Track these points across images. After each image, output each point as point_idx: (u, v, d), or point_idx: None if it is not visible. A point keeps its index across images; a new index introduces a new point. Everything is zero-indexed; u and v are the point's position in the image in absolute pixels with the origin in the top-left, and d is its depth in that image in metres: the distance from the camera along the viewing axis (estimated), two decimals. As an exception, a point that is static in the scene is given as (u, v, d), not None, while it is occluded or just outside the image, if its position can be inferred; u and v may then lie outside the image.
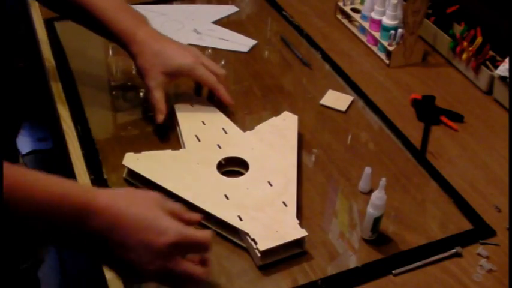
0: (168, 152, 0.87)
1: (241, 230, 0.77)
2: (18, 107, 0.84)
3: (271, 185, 0.83)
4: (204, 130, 0.92)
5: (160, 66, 0.90)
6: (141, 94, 1.05)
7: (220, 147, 0.88)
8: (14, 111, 0.83)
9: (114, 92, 1.06)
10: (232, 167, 0.88)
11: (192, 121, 0.94)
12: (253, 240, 0.75)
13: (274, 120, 0.95)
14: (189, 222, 0.67)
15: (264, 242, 0.74)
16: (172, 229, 0.63)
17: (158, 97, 0.91)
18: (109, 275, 0.73)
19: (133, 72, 1.10)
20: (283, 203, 0.80)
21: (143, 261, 0.62)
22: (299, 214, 0.82)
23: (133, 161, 0.85)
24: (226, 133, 0.91)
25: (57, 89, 1.03)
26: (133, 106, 1.02)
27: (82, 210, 0.60)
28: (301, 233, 0.76)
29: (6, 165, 0.58)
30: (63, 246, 0.61)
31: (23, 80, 1.03)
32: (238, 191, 0.81)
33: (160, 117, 0.91)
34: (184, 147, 0.88)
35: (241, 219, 0.77)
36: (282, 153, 0.89)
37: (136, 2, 1.29)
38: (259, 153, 0.88)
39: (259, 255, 0.74)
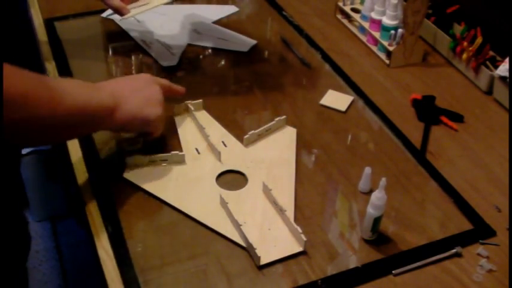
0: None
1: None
2: None
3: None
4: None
5: None
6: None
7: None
8: None
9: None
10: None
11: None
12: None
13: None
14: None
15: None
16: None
17: None
18: (109, 275, 0.74)
19: (133, 72, 1.10)
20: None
21: (144, 87, 0.84)
22: (299, 214, 0.83)
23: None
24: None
25: (57, 89, 1.03)
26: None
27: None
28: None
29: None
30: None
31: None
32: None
33: (125, 11, 1.01)
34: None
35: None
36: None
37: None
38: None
39: (259, 255, 0.74)
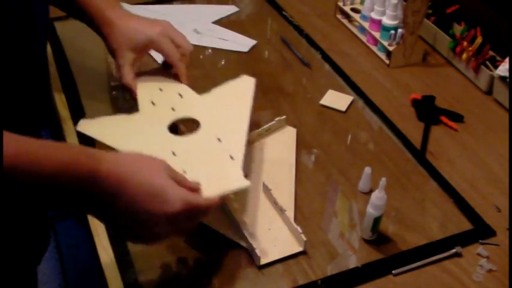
0: (121, 116, 0.88)
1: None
2: (43, 99, 0.84)
3: (220, 141, 0.82)
4: (160, 95, 0.92)
5: (127, 43, 0.92)
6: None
7: (174, 110, 0.88)
8: (39, 102, 0.82)
9: (114, 92, 1.06)
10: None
11: (149, 88, 0.94)
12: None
13: (230, 83, 0.94)
14: (192, 190, 0.68)
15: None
16: (179, 199, 0.64)
17: (125, 73, 0.93)
18: (109, 275, 0.74)
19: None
20: (230, 157, 0.79)
21: (148, 226, 0.64)
22: (299, 214, 0.83)
23: (87, 125, 0.87)
24: (181, 97, 0.91)
25: (57, 89, 1.03)
26: (133, 106, 1.02)
27: (87, 177, 0.60)
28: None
29: (10, 135, 0.57)
30: (69, 209, 0.63)
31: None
32: (187, 148, 0.81)
33: (133, 94, 0.93)
34: (138, 111, 0.88)
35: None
36: (235, 112, 0.88)
37: (136, 2, 1.29)
38: (212, 113, 0.88)
39: (259, 255, 0.74)
